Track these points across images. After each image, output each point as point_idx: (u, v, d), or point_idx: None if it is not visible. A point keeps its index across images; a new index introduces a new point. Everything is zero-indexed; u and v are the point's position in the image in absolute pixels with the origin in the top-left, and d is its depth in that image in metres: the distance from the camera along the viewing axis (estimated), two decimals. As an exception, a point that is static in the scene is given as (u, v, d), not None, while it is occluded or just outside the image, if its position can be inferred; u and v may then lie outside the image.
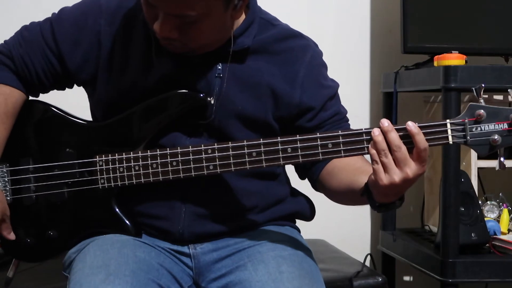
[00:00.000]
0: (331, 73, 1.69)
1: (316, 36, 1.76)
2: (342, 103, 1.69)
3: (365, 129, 1.42)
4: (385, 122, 1.39)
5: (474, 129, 1.40)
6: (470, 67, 2.30)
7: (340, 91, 1.68)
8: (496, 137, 1.39)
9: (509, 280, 2.27)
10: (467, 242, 2.29)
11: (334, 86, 1.67)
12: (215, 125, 1.58)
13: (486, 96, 2.50)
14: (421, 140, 1.37)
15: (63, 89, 1.69)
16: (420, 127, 1.39)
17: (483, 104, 1.40)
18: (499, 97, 2.55)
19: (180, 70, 1.56)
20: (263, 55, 1.60)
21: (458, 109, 2.25)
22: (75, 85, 1.68)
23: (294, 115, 1.62)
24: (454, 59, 2.32)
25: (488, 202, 2.53)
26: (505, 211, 2.49)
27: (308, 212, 1.74)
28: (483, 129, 1.40)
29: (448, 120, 1.41)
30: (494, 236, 2.36)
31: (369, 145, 1.40)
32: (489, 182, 2.71)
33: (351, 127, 1.68)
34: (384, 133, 1.38)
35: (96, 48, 1.59)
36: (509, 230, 2.46)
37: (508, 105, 2.79)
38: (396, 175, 1.37)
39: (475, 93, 1.41)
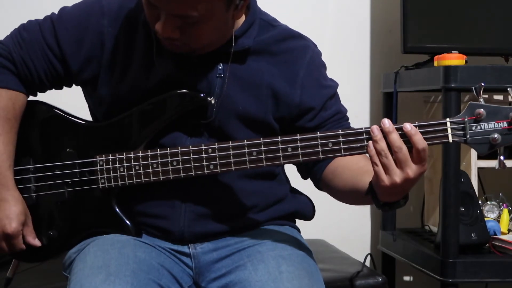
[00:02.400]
0: (331, 73, 1.70)
1: (316, 36, 1.77)
2: (342, 103, 1.70)
3: (365, 128, 1.42)
4: (387, 123, 1.39)
5: (474, 128, 1.40)
6: (470, 67, 2.30)
7: (340, 91, 1.69)
8: (496, 136, 1.39)
9: (509, 280, 2.27)
10: (467, 242, 2.29)
11: (333, 85, 1.67)
12: (215, 125, 1.58)
13: (486, 96, 2.50)
14: (419, 140, 1.37)
15: (62, 88, 1.69)
16: (420, 126, 1.39)
17: (482, 103, 1.40)
18: (499, 97, 2.55)
19: (181, 70, 1.56)
20: (263, 55, 1.60)
21: (458, 109, 2.25)
22: (73, 85, 1.68)
23: (295, 115, 1.62)
24: (454, 59, 2.32)
25: (488, 202, 2.53)
26: (505, 211, 2.49)
27: (308, 211, 1.75)
28: (483, 127, 1.40)
29: (448, 119, 1.41)
30: (494, 236, 2.36)
31: (368, 146, 1.39)
32: (489, 182, 2.71)
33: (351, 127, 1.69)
34: (385, 134, 1.38)
35: (98, 49, 1.59)
36: (509, 230, 2.46)
37: (508, 105, 2.81)
38: (397, 176, 1.37)
39: (474, 92, 1.41)
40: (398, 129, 1.38)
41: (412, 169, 1.37)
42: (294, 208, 1.72)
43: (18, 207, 1.57)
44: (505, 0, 2.60)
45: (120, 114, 1.59)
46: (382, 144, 1.38)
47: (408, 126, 1.38)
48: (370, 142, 1.39)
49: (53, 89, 1.68)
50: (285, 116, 1.62)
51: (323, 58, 1.69)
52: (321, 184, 1.66)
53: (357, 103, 2.85)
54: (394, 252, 2.64)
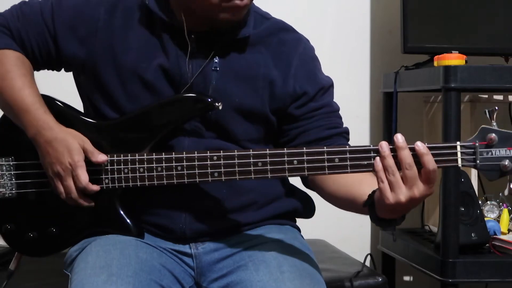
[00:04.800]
0: (331, 73, 1.71)
1: (316, 36, 1.77)
2: (342, 103, 1.70)
3: (373, 146, 1.40)
4: (400, 138, 1.36)
5: (484, 154, 1.37)
6: (470, 67, 2.30)
7: (340, 91, 1.69)
8: (506, 163, 1.36)
9: (509, 280, 2.27)
10: (467, 242, 2.29)
11: (326, 79, 1.68)
12: (212, 119, 1.59)
13: (486, 96, 2.51)
14: (429, 160, 1.35)
15: (53, 70, 1.69)
16: (429, 147, 1.37)
17: (495, 127, 1.37)
18: (499, 97, 2.55)
19: (178, 63, 1.57)
20: (258, 47, 1.62)
21: (458, 109, 2.25)
22: (63, 69, 1.69)
23: (288, 104, 1.63)
24: (454, 59, 2.32)
25: (488, 202, 2.53)
26: (505, 211, 2.49)
27: (308, 209, 1.75)
28: (493, 154, 1.37)
29: (458, 143, 1.38)
30: (494, 236, 2.36)
31: (375, 161, 1.37)
32: (489, 182, 2.69)
33: (351, 127, 1.69)
34: (397, 150, 1.36)
35: (93, 36, 1.59)
36: (509, 230, 2.46)
37: (508, 105, 2.81)
38: (403, 195, 1.35)
39: (487, 116, 1.38)
40: (410, 148, 1.36)
41: (419, 189, 1.35)
42: (294, 205, 1.72)
43: (70, 140, 1.54)
44: (505, 0, 2.60)
45: (114, 105, 1.60)
46: (390, 160, 1.36)
47: (420, 145, 1.36)
48: (377, 157, 1.37)
49: (47, 69, 1.69)
50: (280, 107, 1.63)
51: (323, 58, 1.71)
52: (309, 183, 1.66)
53: (357, 103, 2.85)
54: (394, 252, 2.64)
